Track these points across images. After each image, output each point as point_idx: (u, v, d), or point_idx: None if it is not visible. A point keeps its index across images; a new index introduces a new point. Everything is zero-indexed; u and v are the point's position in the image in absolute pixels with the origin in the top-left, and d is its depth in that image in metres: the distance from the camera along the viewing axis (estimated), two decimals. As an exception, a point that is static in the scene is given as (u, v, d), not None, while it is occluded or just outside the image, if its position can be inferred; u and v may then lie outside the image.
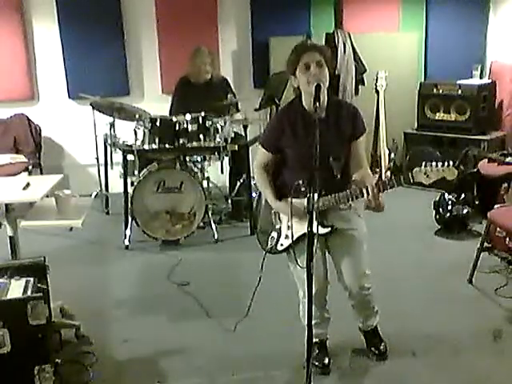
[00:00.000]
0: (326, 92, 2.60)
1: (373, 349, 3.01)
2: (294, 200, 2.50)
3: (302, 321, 2.83)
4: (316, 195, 2.25)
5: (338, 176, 2.65)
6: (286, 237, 2.75)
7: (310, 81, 2.52)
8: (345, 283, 2.84)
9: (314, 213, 2.21)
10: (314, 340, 2.85)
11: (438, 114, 5.90)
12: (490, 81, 5.90)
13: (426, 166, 2.43)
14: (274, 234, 2.81)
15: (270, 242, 2.82)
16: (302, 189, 2.46)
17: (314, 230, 2.21)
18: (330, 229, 2.67)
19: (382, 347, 3.00)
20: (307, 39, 5.77)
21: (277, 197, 2.75)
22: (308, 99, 2.60)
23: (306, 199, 2.25)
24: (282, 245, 2.79)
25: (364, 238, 2.80)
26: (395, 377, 2.85)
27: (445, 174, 2.40)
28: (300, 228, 2.63)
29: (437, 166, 2.41)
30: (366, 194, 2.50)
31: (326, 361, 2.91)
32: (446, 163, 2.40)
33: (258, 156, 2.81)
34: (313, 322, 2.46)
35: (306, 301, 2.36)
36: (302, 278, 2.62)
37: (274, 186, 2.78)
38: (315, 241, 2.22)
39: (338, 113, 2.65)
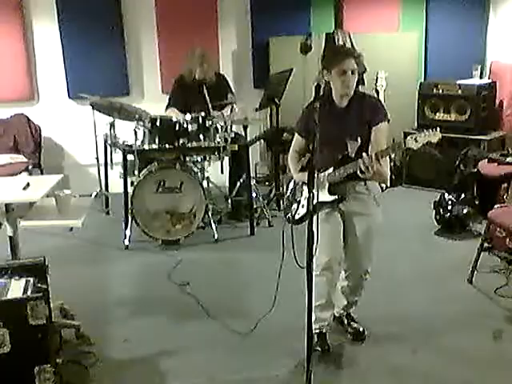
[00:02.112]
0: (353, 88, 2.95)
1: (352, 330, 3.18)
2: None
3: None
4: (331, 169, 2.86)
5: (353, 155, 2.89)
6: (303, 206, 2.99)
7: (343, 85, 2.86)
8: (347, 263, 3.05)
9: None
10: (315, 330, 2.88)
11: (437, 114, 5.90)
12: (490, 81, 5.90)
13: (416, 133, 2.69)
14: (295, 205, 3.05)
15: (290, 212, 3.06)
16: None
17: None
18: (336, 197, 2.88)
19: (360, 327, 3.19)
20: (307, 39, 5.76)
21: (300, 171, 3.09)
22: (337, 94, 2.93)
23: (322, 173, 2.81)
24: (298, 214, 2.99)
25: (377, 228, 3.02)
26: (395, 375, 2.85)
27: (430, 138, 2.64)
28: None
29: (423, 131, 2.67)
30: (361, 163, 2.70)
31: (326, 347, 3.01)
32: (431, 129, 2.65)
33: (293, 142, 3.16)
34: (317, 303, 2.52)
35: (319, 273, 2.63)
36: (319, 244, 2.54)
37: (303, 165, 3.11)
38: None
39: (360, 103, 2.95)
